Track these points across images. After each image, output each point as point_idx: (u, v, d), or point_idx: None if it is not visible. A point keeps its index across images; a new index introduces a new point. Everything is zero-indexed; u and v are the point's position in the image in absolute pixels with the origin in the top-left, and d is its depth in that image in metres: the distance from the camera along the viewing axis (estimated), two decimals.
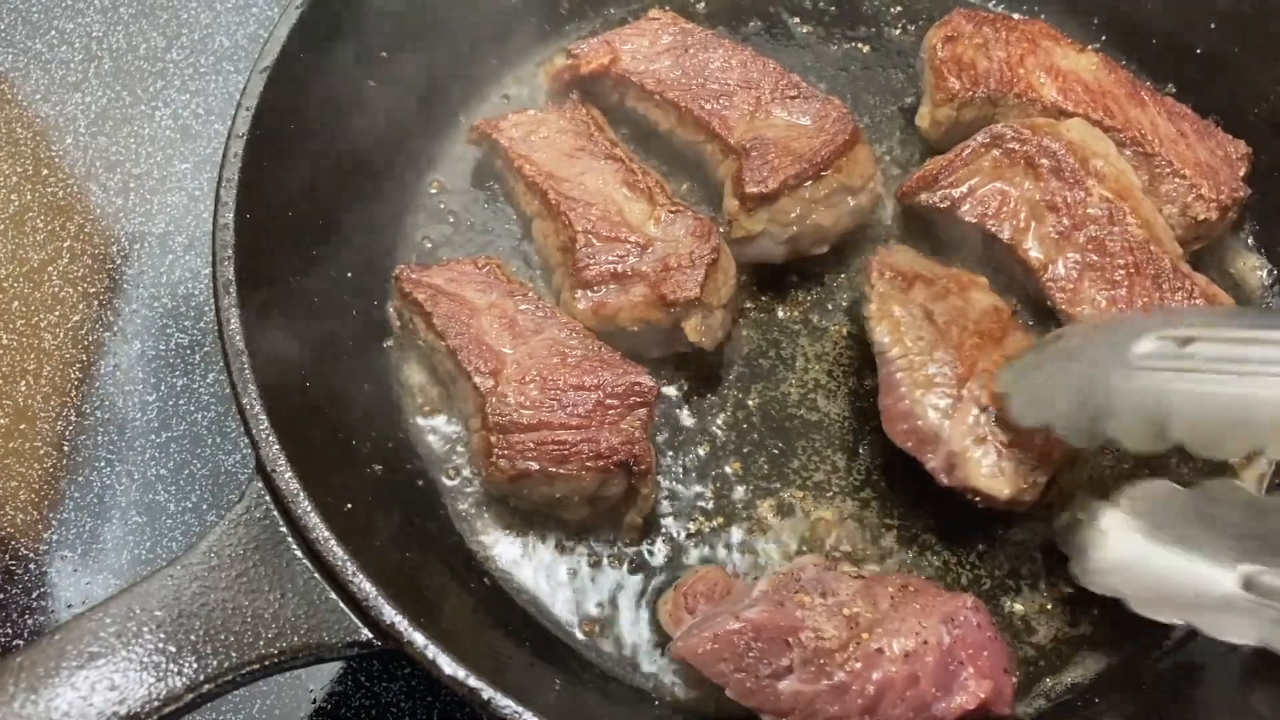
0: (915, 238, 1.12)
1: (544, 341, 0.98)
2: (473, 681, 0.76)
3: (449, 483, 1.00)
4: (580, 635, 0.95)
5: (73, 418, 1.07)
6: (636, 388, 0.96)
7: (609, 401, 0.95)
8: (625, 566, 0.97)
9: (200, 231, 1.17)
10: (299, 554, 0.81)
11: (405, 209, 1.12)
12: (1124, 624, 0.95)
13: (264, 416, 0.84)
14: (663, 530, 0.99)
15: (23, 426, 1.06)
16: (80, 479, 1.05)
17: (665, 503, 1.00)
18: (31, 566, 1.01)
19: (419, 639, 0.78)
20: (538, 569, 0.97)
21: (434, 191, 1.14)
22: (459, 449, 1.01)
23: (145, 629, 0.75)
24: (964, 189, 1.08)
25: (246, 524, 0.82)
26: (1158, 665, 0.95)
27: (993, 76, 1.12)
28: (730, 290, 1.03)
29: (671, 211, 1.03)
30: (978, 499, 0.93)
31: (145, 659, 0.74)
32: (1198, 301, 1.00)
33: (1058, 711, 0.93)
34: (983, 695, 0.85)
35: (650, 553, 0.98)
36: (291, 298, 0.98)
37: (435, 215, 1.13)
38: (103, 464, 1.05)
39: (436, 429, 1.02)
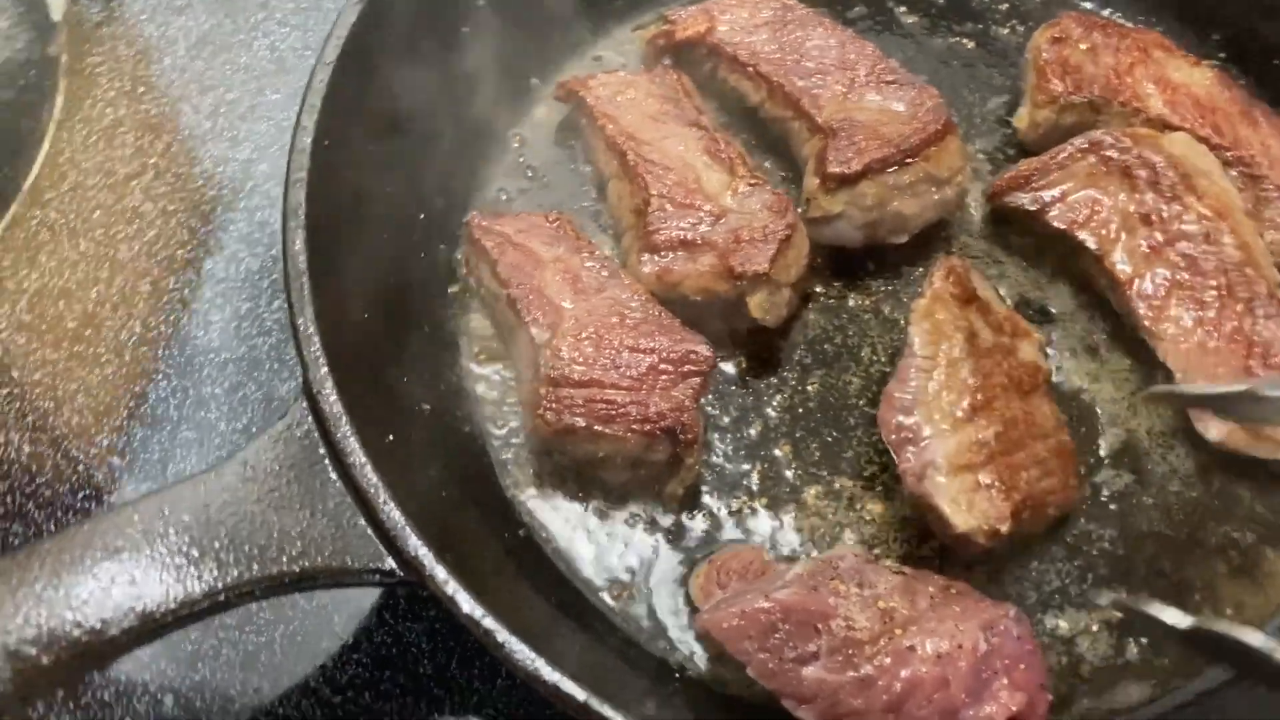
0: (1002, 241, 1.09)
1: (605, 300, 0.97)
2: (489, 623, 0.75)
3: (496, 432, 0.99)
4: (608, 599, 0.93)
5: (136, 329, 1.08)
6: (693, 356, 0.94)
7: (663, 367, 0.93)
8: (661, 536, 0.95)
9: (284, 162, 1.18)
10: (333, 477, 0.81)
11: (485, 158, 1.12)
12: (1173, 656, 0.92)
13: (317, 338, 0.84)
14: (704, 505, 0.97)
15: (88, 332, 1.08)
16: (136, 389, 1.06)
17: (710, 478, 0.98)
18: (80, 468, 1.02)
19: (441, 573, 0.77)
20: (573, 527, 0.95)
21: (516, 145, 1.14)
22: (510, 400, 1.00)
23: (171, 530, 0.75)
24: (1055, 193, 1.04)
25: (286, 441, 0.81)
26: (1202, 704, 0.90)
27: (1098, 82, 1.09)
28: (800, 270, 1.00)
29: (750, 184, 1.01)
30: (931, 519, 0.90)
31: (167, 560, 0.74)
32: None
33: None
34: (1014, 708, 0.81)
35: (689, 525, 0.96)
36: (361, 231, 0.98)
37: (514, 168, 1.12)
38: (160, 377, 1.06)
39: (490, 378, 1.02)
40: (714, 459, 0.99)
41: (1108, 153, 1.03)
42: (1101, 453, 1.00)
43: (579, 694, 0.74)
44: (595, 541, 0.95)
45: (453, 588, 0.76)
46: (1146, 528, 0.97)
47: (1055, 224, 1.04)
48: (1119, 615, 0.93)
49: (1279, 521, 0.97)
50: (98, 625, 0.71)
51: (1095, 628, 0.93)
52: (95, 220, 1.13)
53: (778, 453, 1.00)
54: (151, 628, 0.73)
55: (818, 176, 1.01)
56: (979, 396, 0.92)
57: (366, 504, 0.79)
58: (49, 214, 1.13)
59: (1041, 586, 0.94)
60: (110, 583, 0.73)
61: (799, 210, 1.02)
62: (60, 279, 1.10)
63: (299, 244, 0.88)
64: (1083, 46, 1.10)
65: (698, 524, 0.96)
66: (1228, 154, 1.05)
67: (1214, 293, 0.98)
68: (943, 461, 0.90)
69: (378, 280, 0.98)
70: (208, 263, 1.12)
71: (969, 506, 0.89)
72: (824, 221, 1.02)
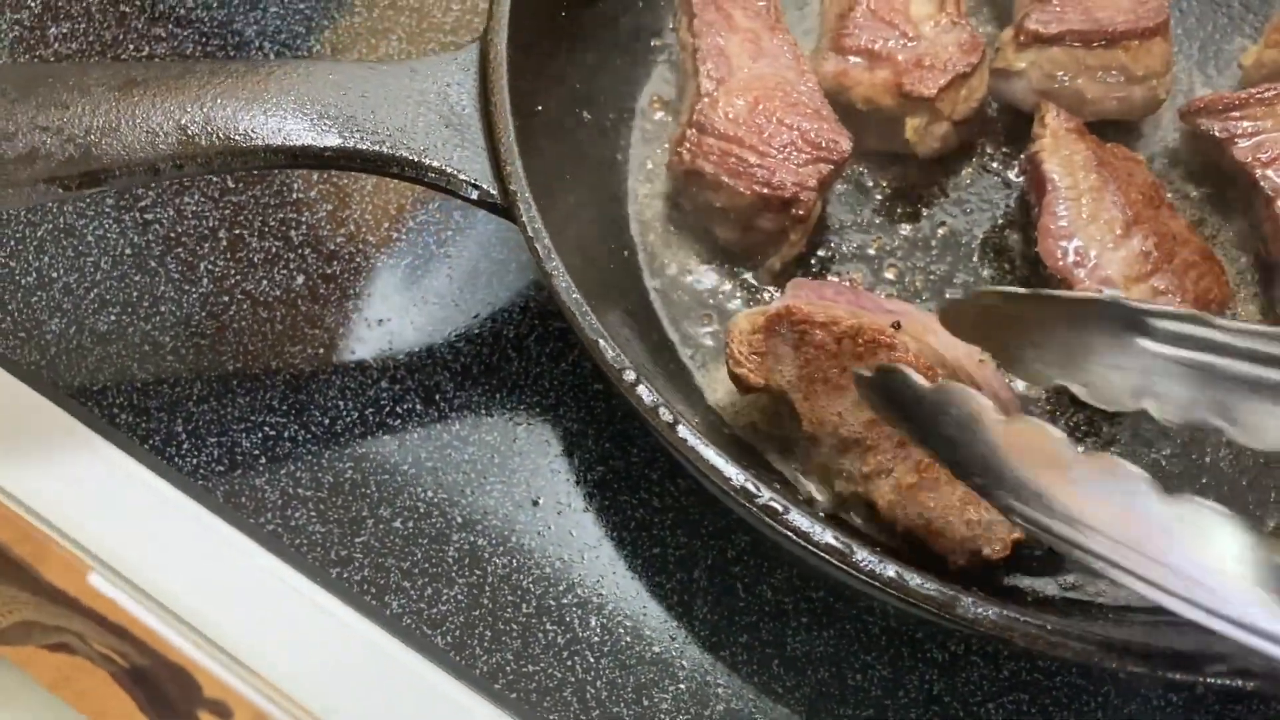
0: (1189, 164, 1.09)
1: (776, 75, 1.04)
2: (551, 250, 0.85)
3: (642, 165, 1.08)
4: (674, 329, 1.01)
5: None
6: (833, 144, 1.00)
7: (802, 145, 1.00)
8: (744, 300, 1.02)
9: None
10: (476, 109, 0.91)
11: None
12: None
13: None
14: None
15: None
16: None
17: (813, 267, 1.04)
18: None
19: (534, 213, 0.86)
20: (672, 264, 1.03)
21: None
22: (665, 146, 1.09)
23: (329, 92, 0.88)
24: (1249, 126, 1.03)
25: (452, 68, 0.92)
26: None
27: None
28: (967, 110, 1.04)
29: (953, 21, 1.05)
30: None
31: (318, 113, 0.87)
32: None
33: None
34: None
35: (772, 301, 1.02)
36: None
37: None
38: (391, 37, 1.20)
39: (657, 123, 1.10)
40: (822, 254, 1.04)
41: None
42: None
43: (616, 356, 0.81)
44: (686, 282, 1.03)
45: (532, 217, 0.86)
46: (1211, 459, 0.97)
47: (1238, 157, 1.02)
48: None
49: None
50: (247, 134, 0.85)
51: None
52: None
53: (888, 274, 1.04)
54: (286, 157, 0.86)
55: (1014, 28, 1.04)
56: (1129, 213, 0.95)
57: (494, 137, 0.89)
58: None
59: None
60: (264, 114, 0.86)
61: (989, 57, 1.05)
62: None
63: None
64: None
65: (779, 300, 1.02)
66: None
67: None
68: (1116, 276, 0.94)
69: (589, 1, 1.08)
70: None
71: None
72: (1004, 75, 1.05)
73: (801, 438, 0.89)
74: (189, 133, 0.84)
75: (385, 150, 0.88)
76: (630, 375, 0.80)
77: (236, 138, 0.85)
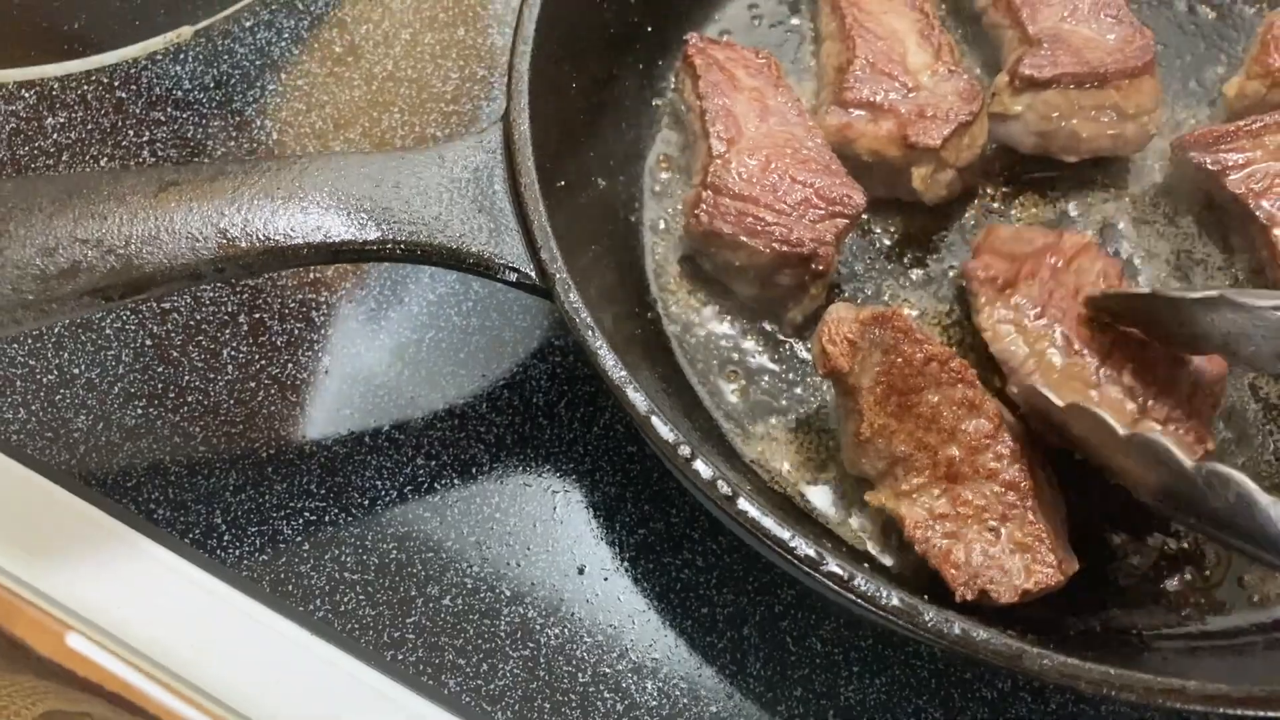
0: (1178, 196, 1.13)
1: (784, 133, 1.06)
2: (594, 332, 0.86)
3: (654, 227, 1.10)
4: (703, 386, 1.03)
5: (389, 67, 1.23)
6: (846, 198, 1.02)
7: (816, 201, 1.02)
8: (768, 353, 1.04)
9: None
10: (504, 190, 0.93)
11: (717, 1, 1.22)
12: (1209, 598, 0.96)
13: (526, 77, 0.96)
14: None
15: (350, 58, 1.24)
16: (374, 114, 1.21)
17: None
18: None
19: (573, 295, 0.88)
20: (694, 321, 1.05)
21: None
22: (676, 205, 1.11)
23: (364, 185, 0.89)
24: (1239, 158, 1.07)
25: (477, 151, 0.94)
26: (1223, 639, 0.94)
27: None
28: (970, 158, 1.07)
29: (950, 69, 1.08)
30: None
31: (353, 207, 0.88)
32: None
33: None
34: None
35: (794, 350, 1.05)
36: (590, 29, 1.08)
37: (739, 7, 1.22)
38: (394, 109, 1.21)
39: (665, 182, 1.12)
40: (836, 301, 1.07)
41: None
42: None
43: (669, 432, 0.82)
44: (710, 338, 1.05)
45: (574, 298, 0.87)
46: None
47: (1231, 188, 1.06)
48: (1173, 547, 0.97)
49: None
50: (287, 233, 0.85)
51: (1144, 551, 0.98)
52: None
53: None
54: (328, 253, 0.87)
55: (1009, 74, 1.07)
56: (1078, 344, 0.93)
57: (525, 217, 0.90)
58: None
59: (1108, 501, 1.00)
60: (302, 212, 0.87)
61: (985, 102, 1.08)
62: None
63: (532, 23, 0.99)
64: None
65: (801, 352, 1.05)
66: None
67: None
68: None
69: (594, 71, 1.09)
70: (459, 31, 1.26)
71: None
72: (1001, 119, 1.08)
73: (852, 441, 0.92)
74: (229, 236, 0.85)
75: (424, 239, 0.89)
76: (685, 451, 0.82)
77: (277, 237, 0.85)
